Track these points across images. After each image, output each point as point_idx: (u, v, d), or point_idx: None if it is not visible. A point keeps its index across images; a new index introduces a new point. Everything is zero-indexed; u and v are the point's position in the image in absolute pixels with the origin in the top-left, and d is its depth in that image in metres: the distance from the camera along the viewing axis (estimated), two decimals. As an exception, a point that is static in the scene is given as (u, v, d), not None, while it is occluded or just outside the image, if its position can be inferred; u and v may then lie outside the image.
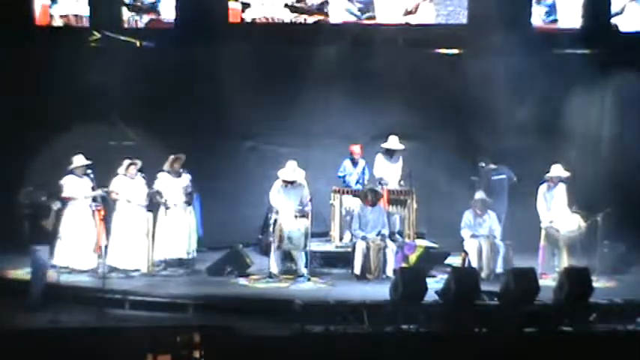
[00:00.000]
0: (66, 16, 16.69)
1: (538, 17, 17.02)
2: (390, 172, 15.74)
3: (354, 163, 15.83)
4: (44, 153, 15.02)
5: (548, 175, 14.77)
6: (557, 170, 14.77)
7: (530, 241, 14.78)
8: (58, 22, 16.68)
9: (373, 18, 16.79)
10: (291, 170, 14.38)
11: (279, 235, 13.87)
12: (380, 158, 15.82)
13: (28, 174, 14.68)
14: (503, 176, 15.86)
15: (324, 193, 15.34)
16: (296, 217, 14.10)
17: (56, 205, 12.90)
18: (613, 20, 17.11)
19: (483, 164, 15.95)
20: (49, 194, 12.87)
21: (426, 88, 16.42)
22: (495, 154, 15.95)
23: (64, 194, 13.79)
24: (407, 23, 16.83)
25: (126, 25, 16.70)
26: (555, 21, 17.08)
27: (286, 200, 14.26)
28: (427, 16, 16.84)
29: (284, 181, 14.34)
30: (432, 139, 16.66)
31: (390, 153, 15.74)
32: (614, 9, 17.07)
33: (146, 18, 16.78)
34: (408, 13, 16.84)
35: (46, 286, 12.51)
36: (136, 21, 16.74)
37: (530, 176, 15.30)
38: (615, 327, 11.92)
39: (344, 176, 15.78)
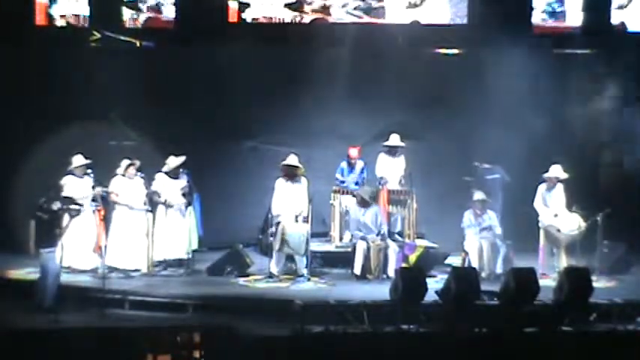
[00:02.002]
0: (66, 15, 16.71)
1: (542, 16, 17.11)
2: (392, 171, 15.73)
3: (351, 165, 15.81)
4: (44, 153, 15.03)
5: (546, 175, 14.76)
6: (556, 171, 14.75)
7: (530, 241, 14.77)
8: (58, 22, 16.69)
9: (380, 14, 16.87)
10: (293, 160, 14.37)
11: (280, 239, 13.84)
12: (382, 157, 15.83)
13: (29, 175, 14.72)
14: (497, 176, 15.87)
15: (324, 193, 15.31)
16: (297, 218, 14.09)
17: (56, 205, 12.87)
18: (619, 19, 17.10)
19: (477, 164, 15.95)
20: (64, 202, 12.81)
21: (425, 88, 16.40)
22: (491, 154, 15.94)
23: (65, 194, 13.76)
24: (412, 21, 16.84)
25: (125, 24, 16.70)
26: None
27: (287, 201, 14.22)
28: (434, 12, 16.89)
29: (286, 175, 14.31)
30: (431, 139, 16.64)
31: (392, 152, 15.75)
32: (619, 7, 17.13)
33: (144, 16, 16.78)
34: (413, 6, 16.89)
35: (60, 288, 12.42)
36: (136, 19, 16.74)
37: (530, 176, 15.28)
38: (615, 327, 11.92)
39: (342, 180, 15.78)
